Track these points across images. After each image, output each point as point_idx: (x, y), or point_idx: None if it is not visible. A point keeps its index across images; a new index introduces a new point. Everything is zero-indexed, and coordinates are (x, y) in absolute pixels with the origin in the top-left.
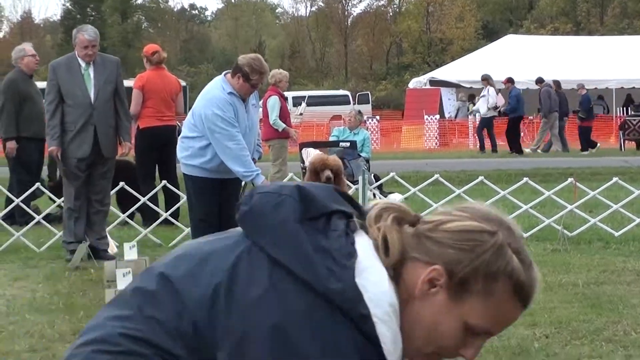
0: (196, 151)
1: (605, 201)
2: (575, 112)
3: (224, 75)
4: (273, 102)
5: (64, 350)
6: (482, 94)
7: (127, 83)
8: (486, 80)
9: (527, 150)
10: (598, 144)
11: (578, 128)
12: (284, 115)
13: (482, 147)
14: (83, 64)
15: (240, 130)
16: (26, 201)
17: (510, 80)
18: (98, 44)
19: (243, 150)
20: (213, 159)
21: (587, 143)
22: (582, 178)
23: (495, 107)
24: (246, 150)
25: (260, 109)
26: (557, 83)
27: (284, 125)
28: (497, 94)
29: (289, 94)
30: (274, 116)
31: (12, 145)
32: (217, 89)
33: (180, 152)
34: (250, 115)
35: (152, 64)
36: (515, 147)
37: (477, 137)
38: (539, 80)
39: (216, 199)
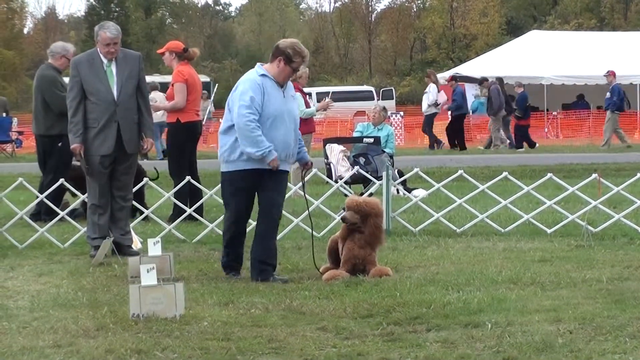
0: (232, 144)
1: (629, 197)
2: (599, 107)
3: (259, 64)
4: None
5: (88, 346)
6: (425, 91)
7: (150, 78)
8: (429, 77)
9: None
10: (537, 144)
11: (514, 126)
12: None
13: (431, 145)
14: (105, 61)
15: (273, 114)
16: (53, 198)
17: (454, 78)
18: (120, 41)
19: (254, 130)
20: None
21: (527, 142)
22: (606, 174)
23: (436, 104)
24: (258, 131)
25: None
26: (500, 80)
27: (313, 109)
28: (438, 91)
29: (313, 90)
30: (302, 109)
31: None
32: (251, 73)
33: (220, 153)
34: (288, 104)
35: (182, 60)
36: (460, 144)
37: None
38: (483, 80)
39: (251, 198)
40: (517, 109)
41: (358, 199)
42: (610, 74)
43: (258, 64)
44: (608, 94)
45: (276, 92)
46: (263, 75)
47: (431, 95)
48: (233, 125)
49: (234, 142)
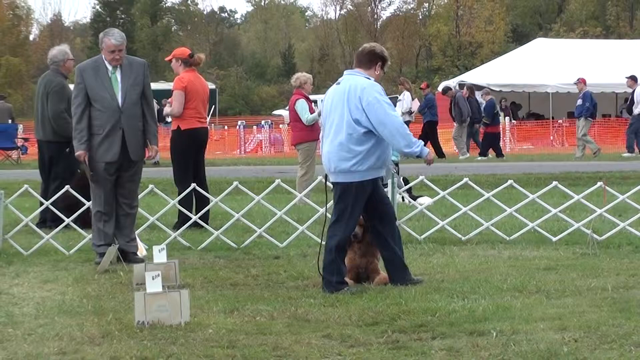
0: (365, 154)
1: (634, 205)
2: (605, 115)
3: (353, 71)
4: (302, 104)
5: (93, 353)
6: (398, 98)
7: (155, 86)
8: (402, 84)
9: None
10: (504, 156)
11: (483, 134)
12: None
13: None
14: (110, 67)
15: None
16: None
17: (427, 86)
18: (125, 47)
19: (407, 129)
20: (382, 153)
21: (495, 150)
22: (611, 182)
23: (410, 112)
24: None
25: (288, 112)
26: (470, 89)
27: (315, 114)
28: (412, 98)
29: (318, 97)
30: (308, 115)
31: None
32: (364, 79)
33: (344, 163)
34: None
35: (188, 66)
36: (437, 151)
37: None
38: (448, 89)
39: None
40: (485, 116)
41: None
42: (581, 81)
43: (356, 70)
44: (579, 101)
45: None
46: (376, 82)
47: (405, 103)
48: (366, 132)
49: (368, 150)
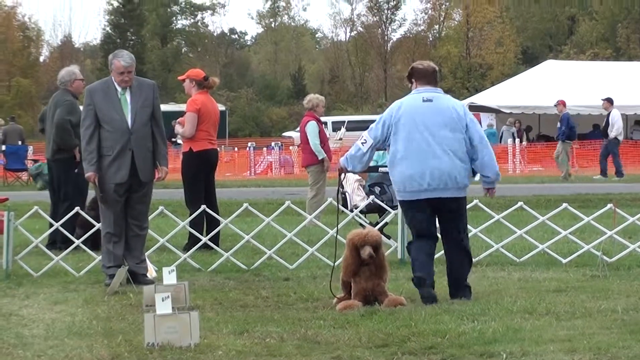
0: (469, 168)
1: None
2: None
3: (433, 88)
4: (312, 127)
5: None
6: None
7: (165, 107)
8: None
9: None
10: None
11: None
12: (322, 139)
13: None
14: (119, 89)
15: None
16: (68, 225)
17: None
18: (134, 69)
19: None
20: None
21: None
22: (621, 204)
23: None
24: None
25: (299, 134)
26: None
27: (324, 155)
28: None
29: (329, 119)
30: (317, 141)
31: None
32: (454, 99)
33: (466, 179)
34: None
35: (201, 88)
36: None
37: None
38: None
39: None
40: None
41: (362, 233)
42: (560, 103)
43: (433, 88)
44: (558, 124)
45: None
46: None
47: None
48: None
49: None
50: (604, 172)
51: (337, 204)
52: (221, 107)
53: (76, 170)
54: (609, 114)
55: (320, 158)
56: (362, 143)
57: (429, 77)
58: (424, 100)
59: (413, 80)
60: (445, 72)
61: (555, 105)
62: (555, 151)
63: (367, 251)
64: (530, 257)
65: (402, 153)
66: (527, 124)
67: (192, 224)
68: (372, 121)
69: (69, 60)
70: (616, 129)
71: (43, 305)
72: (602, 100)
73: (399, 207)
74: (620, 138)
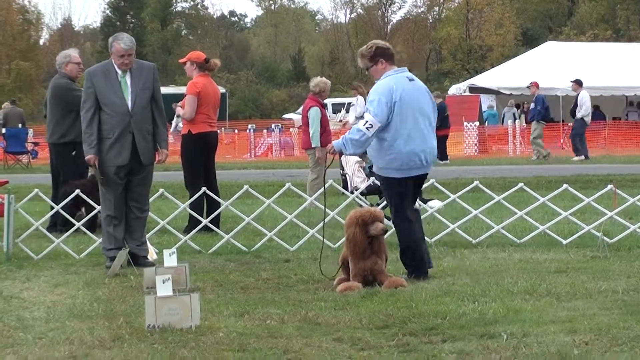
0: None
1: None
2: (615, 118)
3: (403, 68)
4: (315, 113)
5: (104, 356)
6: (352, 103)
7: (165, 90)
8: (356, 89)
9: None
10: (448, 160)
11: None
12: (323, 124)
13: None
14: (119, 72)
15: None
16: (68, 208)
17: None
18: (134, 52)
19: None
20: None
21: (440, 154)
22: (621, 185)
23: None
24: None
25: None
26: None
27: (319, 145)
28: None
29: (329, 101)
30: (317, 128)
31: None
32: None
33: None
34: None
35: (202, 70)
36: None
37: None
38: None
39: None
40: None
41: (369, 209)
42: (533, 85)
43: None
44: (532, 105)
45: None
46: None
47: (359, 107)
48: None
49: None
50: (577, 150)
51: (324, 185)
52: (221, 90)
53: (73, 153)
54: (577, 95)
55: (313, 146)
56: (367, 127)
57: (394, 57)
58: (409, 80)
59: (381, 60)
60: (445, 53)
61: (528, 87)
62: (531, 133)
63: (379, 226)
64: (530, 238)
65: (406, 132)
66: (528, 106)
67: (192, 206)
68: None
69: (69, 43)
70: (584, 110)
71: (44, 288)
72: (571, 81)
73: None
74: (588, 119)
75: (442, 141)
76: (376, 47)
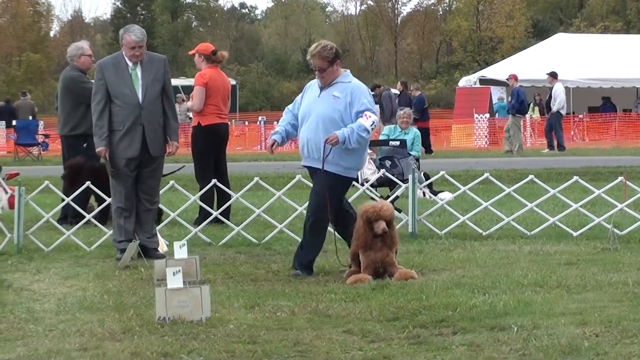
0: None
1: None
2: (626, 110)
3: (345, 72)
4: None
5: (114, 349)
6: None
7: (175, 82)
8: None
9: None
10: (433, 152)
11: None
12: None
13: None
14: (130, 64)
15: (302, 114)
16: (79, 200)
17: (376, 86)
18: (145, 44)
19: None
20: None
21: (425, 145)
22: (632, 177)
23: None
24: (277, 128)
25: None
26: (404, 84)
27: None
28: None
29: None
30: None
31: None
32: None
33: None
34: (319, 104)
35: (210, 62)
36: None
37: None
38: (376, 86)
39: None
40: (415, 112)
41: (376, 206)
42: (512, 77)
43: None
44: (510, 98)
45: (312, 94)
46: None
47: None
48: None
49: None
50: (550, 146)
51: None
52: (232, 82)
53: (85, 145)
54: (552, 88)
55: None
56: (372, 128)
57: None
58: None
59: (338, 61)
60: (455, 45)
61: (507, 80)
62: (505, 125)
63: (381, 226)
64: (541, 230)
65: None
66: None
67: (203, 198)
68: None
69: (79, 35)
70: (558, 102)
71: (54, 280)
72: (547, 74)
73: (409, 180)
74: (563, 112)
75: (424, 133)
76: (335, 49)
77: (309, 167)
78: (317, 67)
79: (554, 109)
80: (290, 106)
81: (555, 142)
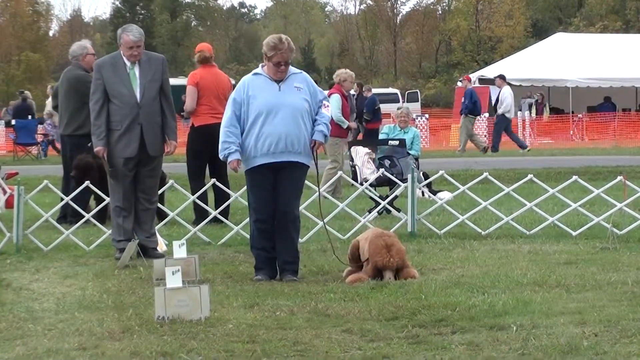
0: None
1: None
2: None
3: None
4: (336, 100)
5: (113, 348)
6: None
7: (175, 81)
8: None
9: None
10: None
11: (364, 130)
12: (344, 114)
13: None
14: (128, 63)
15: (263, 109)
16: (78, 199)
17: (360, 85)
18: (143, 44)
19: (224, 127)
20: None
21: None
22: (631, 176)
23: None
24: (227, 129)
25: None
26: (360, 86)
27: (347, 123)
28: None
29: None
30: (338, 112)
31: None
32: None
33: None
34: (286, 96)
35: (202, 62)
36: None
37: None
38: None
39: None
40: (366, 112)
41: (388, 257)
42: (465, 78)
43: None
44: (463, 99)
45: (269, 87)
46: (255, 74)
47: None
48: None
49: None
50: (523, 147)
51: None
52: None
53: (89, 145)
54: (499, 91)
55: (344, 127)
56: None
57: None
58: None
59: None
60: (454, 45)
61: (460, 80)
62: (459, 126)
63: (387, 276)
64: (540, 229)
65: None
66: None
67: (197, 198)
68: (382, 94)
69: (79, 34)
70: (504, 106)
71: (53, 279)
72: (495, 77)
73: (409, 179)
74: (509, 115)
75: (375, 135)
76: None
77: (275, 163)
78: (284, 61)
79: (499, 111)
80: (228, 118)
81: (495, 142)
